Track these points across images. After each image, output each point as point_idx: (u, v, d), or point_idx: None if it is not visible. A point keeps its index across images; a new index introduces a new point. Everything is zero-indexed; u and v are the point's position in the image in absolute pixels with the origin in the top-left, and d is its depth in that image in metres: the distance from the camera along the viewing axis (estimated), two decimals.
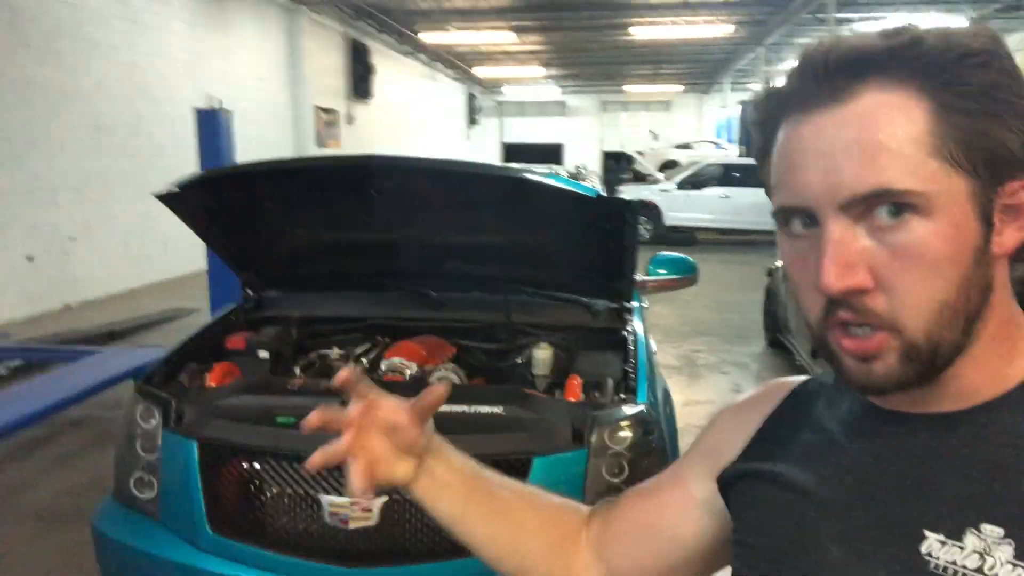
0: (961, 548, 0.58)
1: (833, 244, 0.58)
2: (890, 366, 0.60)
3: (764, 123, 0.66)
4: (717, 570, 0.83)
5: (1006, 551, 0.56)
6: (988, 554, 0.57)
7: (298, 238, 2.88)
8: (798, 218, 0.62)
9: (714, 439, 0.84)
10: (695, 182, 14.03)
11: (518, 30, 16.33)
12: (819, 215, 0.59)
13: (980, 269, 0.59)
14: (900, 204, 0.57)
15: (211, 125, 5.78)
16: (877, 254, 0.58)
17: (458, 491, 0.89)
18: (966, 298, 0.59)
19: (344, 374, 0.84)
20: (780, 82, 0.64)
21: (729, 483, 0.79)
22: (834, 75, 0.58)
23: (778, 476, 0.73)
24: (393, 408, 0.85)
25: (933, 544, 0.59)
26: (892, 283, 0.58)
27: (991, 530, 0.57)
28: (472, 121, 27.76)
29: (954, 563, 0.58)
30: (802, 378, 0.82)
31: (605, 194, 2.56)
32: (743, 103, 19.17)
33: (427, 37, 16.27)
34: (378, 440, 0.84)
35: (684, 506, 0.82)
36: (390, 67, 18.24)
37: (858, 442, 0.68)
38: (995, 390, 0.62)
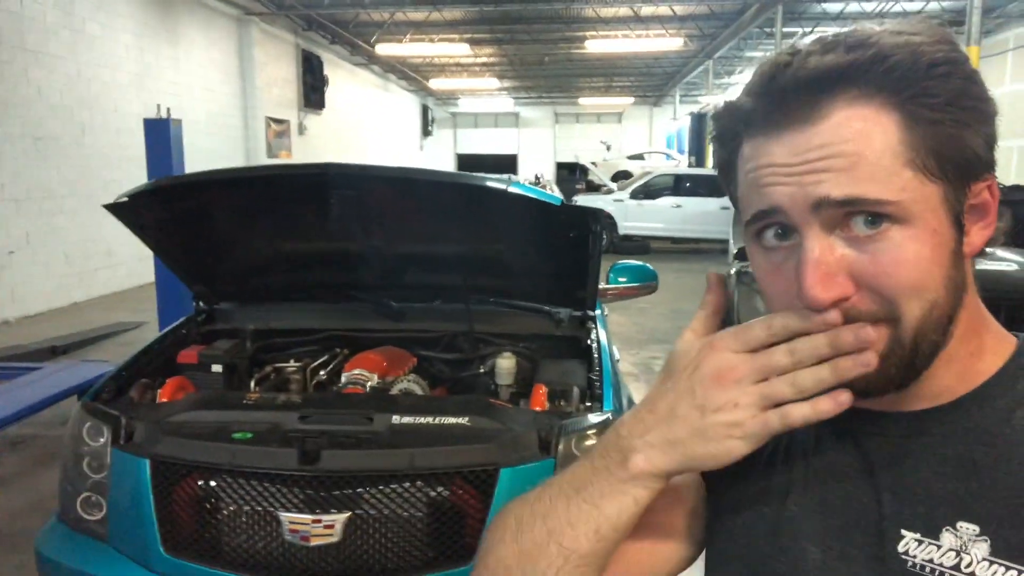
0: (938, 546, 0.59)
1: (813, 254, 0.57)
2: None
3: (726, 138, 0.65)
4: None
5: (982, 548, 0.57)
6: (965, 552, 0.58)
7: (253, 249, 2.81)
8: (771, 230, 0.61)
9: None
10: (647, 192, 14.21)
11: (472, 42, 16.37)
12: (795, 224, 0.59)
13: (957, 271, 0.60)
14: (876, 214, 0.56)
15: (159, 135, 5.63)
16: (857, 260, 0.57)
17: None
18: (950, 299, 0.59)
19: None
20: (738, 96, 0.63)
21: (709, 481, 0.77)
22: (801, 94, 0.58)
23: (750, 479, 0.72)
24: None
25: (910, 543, 0.60)
26: (879, 286, 0.57)
27: (967, 528, 0.58)
28: (426, 132, 27.71)
29: (931, 561, 0.59)
30: None
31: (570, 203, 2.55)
32: (692, 115, 19.50)
33: (381, 49, 16.17)
34: None
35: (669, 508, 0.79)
36: (343, 78, 18.10)
37: (832, 442, 0.68)
38: (965, 386, 0.63)
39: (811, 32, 14.80)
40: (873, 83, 0.57)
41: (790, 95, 0.58)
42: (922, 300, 0.57)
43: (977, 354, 0.63)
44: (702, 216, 13.46)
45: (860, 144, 0.56)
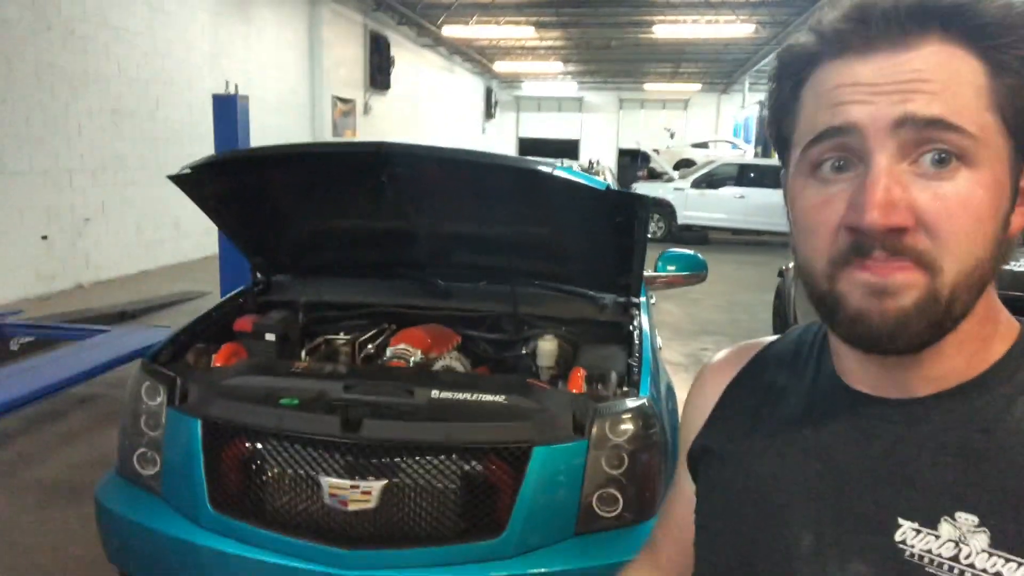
0: (936, 536, 0.58)
1: (883, 175, 0.56)
2: (905, 307, 0.57)
3: (796, 68, 0.63)
4: None
5: (981, 539, 0.56)
6: (963, 543, 0.56)
7: (308, 224, 2.90)
8: (831, 159, 0.59)
9: (685, 422, 0.82)
10: (710, 181, 13.95)
11: (538, 25, 16.30)
12: (867, 139, 0.57)
13: (1003, 236, 0.59)
14: (948, 151, 0.56)
15: (227, 111, 5.80)
16: (922, 197, 0.56)
17: None
18: (992, 262, 0.58)
19: None
20: (828, 23, 0.61)
21: (695, 461, 0.78)
22: (898, 21, 0.58)
23: (740, 458, 0.71)
24: None
25: (908, 532, 0.59)
26: (936, 226, 0.56)
27: (966, 518, 0.57)
28: (489, 114, 27.74)
29: (929, 551, 0.57)
30: (767, 340, 0.79)
31: (616, 187, 2.55)
32: (761, 103, 19.05)
33: (447, 31, 16.25)
34: None
35: (688, 507, 0.79)
36: (409, 59, 18.24)
37: (826, 423, 0.66)
38: (971, 371, 0.61)
39: None
40: (968, 27, 0.57)
41: (887, 20, 0.58)
42: (970, 255, 0.56)
43: (985, 339, 0.62)
44: (766, 208, 13.16)
45: (950, 75, 0.56)
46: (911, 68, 0.57)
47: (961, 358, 0.61)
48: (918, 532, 0.58)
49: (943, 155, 0.56)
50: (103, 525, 2.19)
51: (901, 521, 0.59)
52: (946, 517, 0.58)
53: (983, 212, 0.56)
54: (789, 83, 0.64)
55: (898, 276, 0.57)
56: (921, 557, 0.58)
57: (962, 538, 0.57)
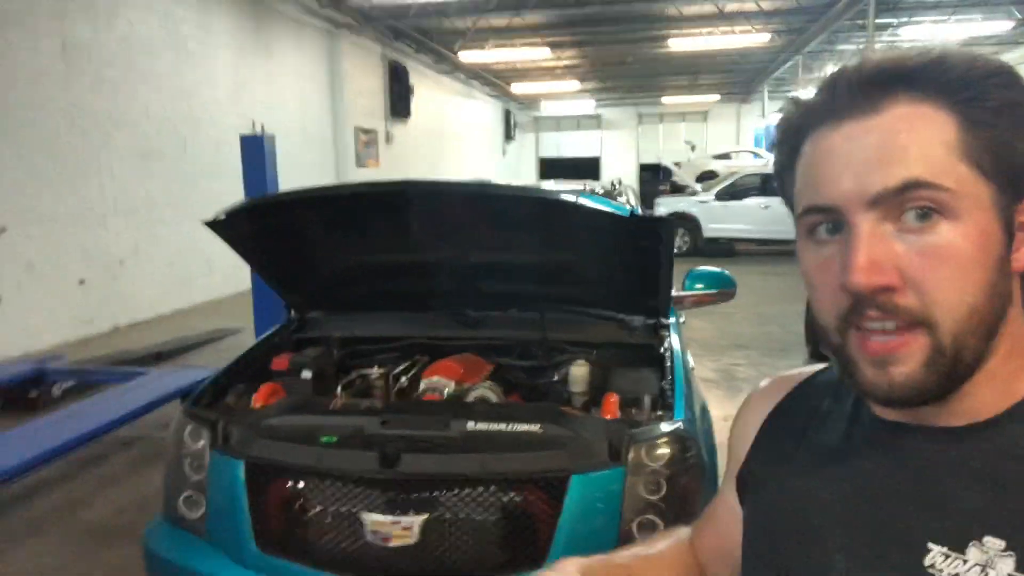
0: (964, 561, 0.59)
1: (863, 240, 0.59)
2: (911, 371, 0.59)
3: (791, 136, 0.67)
4: None
5: (1008, 564, 0.57)
6: (990, 567, 0.57)
7: (340, 261, 2.95)
8: (824, 224, 0.63)
9: (733, 441, 0.85)
10: (733, 192, 13.86)
11: (554, 46, 16.40)
12: (847, 215, 0.60)
13: (1003, 279, 0.60)
14: (929, 206, 0.58)
15: (255, 150, 5.92)
16: (905, 255, 0.58)
17: None
18: (992, 305, 0.60)
19: None
20: (808, 96, 0.66)
21: (743, 485, 0.80)
22: (865, 88, 0.61)
23: (782, 481, 0.73)
24: None
25: (937, 556, 0.60)
26: (922, 281, 0.58)
27: (993, 543, 0.58)
28: (509, 137, 27.90)
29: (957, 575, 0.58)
30: (812, 369, 0.82)
31: (640, 211, 2.57)
32: (781, 111, 18.95)
33: (464, 56, 16.43)
34: None
35: (732, 521, 0.82)
36: (428, 86, 18.46)
37: (863, 450, 0.68)
38: (1001, 406, 0.62)
39: (906, 23, 14.19)
40: (933, 84, 0.59)
41: (854, 88, 0.61)
42: (961, 303, 0.58)
43: (1017, 375, 0.63)
44: (791, 217, 13.05)
45: (918, 135, 0.58)
46: (878, 132, 0.59)
47: (991, 394, 0.63)
48: (947, 556, 0.59)
49: (924, 210, 0.58)
50: (151, 570, 2.23)
51: (931, 545, 0.61)
52: (974, 541, 0.59)
53: (967, 261, 0.58)
54: (786, 149, 0.68)
55: (898, 343, 0.60)
56: None
57: (989, 562, 0.58)
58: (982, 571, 0.58)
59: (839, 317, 0.62)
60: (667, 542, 0.94)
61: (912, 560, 0.61)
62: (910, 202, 0.58)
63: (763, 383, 0.85)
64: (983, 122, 0.59)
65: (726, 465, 0.87)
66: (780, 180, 0.70)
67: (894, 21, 14.26)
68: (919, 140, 0.58)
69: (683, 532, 0.96)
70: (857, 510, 0.66)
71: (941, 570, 0.59)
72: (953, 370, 0.60)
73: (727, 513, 0.84)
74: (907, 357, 0.59)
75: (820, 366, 0.81)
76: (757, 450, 0.79)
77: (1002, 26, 14.43)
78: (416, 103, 17.24)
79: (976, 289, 0.59)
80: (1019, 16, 13.35)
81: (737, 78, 23.06)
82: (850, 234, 0.60)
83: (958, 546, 0.59)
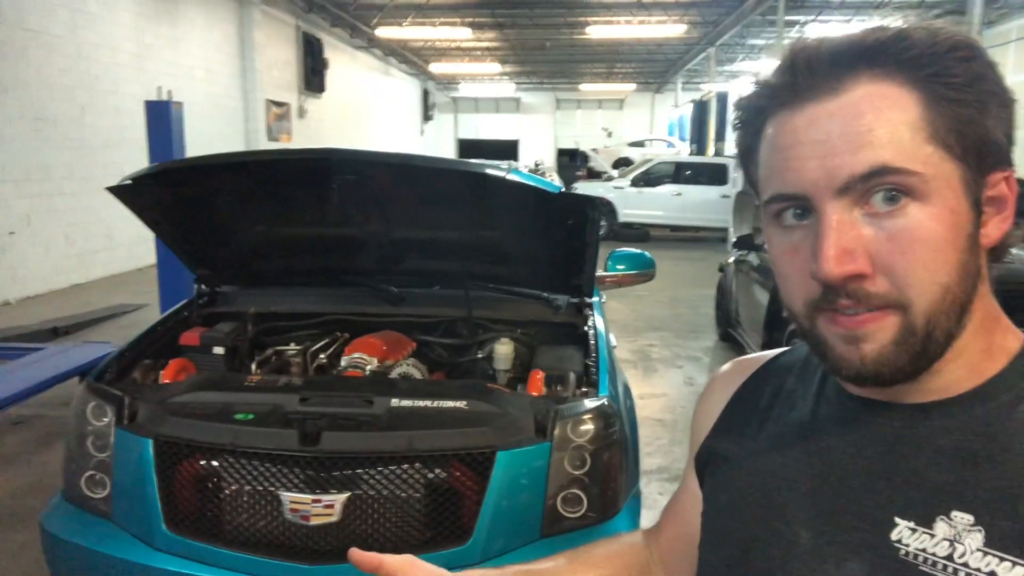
0: (931, 535, 0.58)
1: (832, 229, 0.58)
2: (883, 347, 0.59)
3: (751, 119, 0.65)
4: None
5: (976, 539, 0.57)
6: (958, 542, 0.57)
7: (254, 233, 2.83)
8: (791, 209, 0.62)
9: (694, 428, 0.84)
10: (648, 179, 14.20)
11: (474, 26, 16.30)
12: (816, 202, 0.59)
13: (972, 257, 0.60)
14: (896, 188, 0.57)
15: (161, 117, 5.63)
16: (875, 239, 0.58)
17: None
18: (964, 284, 0.59)
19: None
20: (764, 79, 0.64)
21: (702, 466, 0.79)
22: (826, 68, 0.59)
23: (746, 459, 0.72)
24: None
25: (903, 531, 0.59)
26: (892, 265, 0.58)
27: (961, 517, 0.58)
28: (427, 116, 27.62)
29: (924, 550, 0.58)
30: (774, 352, 0.81)
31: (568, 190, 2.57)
32: (694, 102, 19.44)
33: (382, 32, 16.11)
34: None
35: (695, 508, 0.81)
36: (344, 61, 18.03)
37: (829, 426, 0.68)
38: (972, 382, 0.62)
39: (813, 20, 14.74)
40: (894, 61, 0.58)
41: (814, 68, 0.59)
42: (934, 284, 0.58)
43: (987, 350, 0.63)
44: (702, 204, 13.47)
45: (882, 117, 0.57)
46: (841, 116, 0.58)
47: (961, 371, 0.62)
48: (913, 531, 0.59)
49: (892, 193, 0.57)
50: (50, 552, 2.10)
51: (897, 520, 0.60)
52: (942, 516, 0.58)
53: (938, 242, 0.57)
54: (748, 131, 0.66)
55: (868, 319, 0.59)
56: (916, 556, 0.58)
57: (957, 537, 0.57)
58: (950, 545, 0.57)
59: (808, 304, 0.61)
60: (602, 547, 0.91)
61: (878, 534, 0.60)
62: (878, 187, 0.57)
63: (724, 367, 0.85)
64: (947, 98, 0.58)
65: (688, 453, 0.85)
66: (743, 161, 0.69)
67: (802, 18, 14.79)
68: (884, 122, 0.57)
69: (629, 536, 0.94)
70: (823, 485, 0.65)
71: (908, 544, 0.59)
72: (924, 349, 0.59)
73: (691, 502, 0.82)
74: (877, 333, 0.59)
75: (782, 349, 0.81)
76: (719, 430, 0.78)
77: (904, 23, 15.15)
78: (331, 78, 16.84)
79: (949, 269, 0.58)
80: (915, 20, 14.04)
81: (652, 68, 23.51)
82: (819, 222, 0.59)
83: (925, 521, 0.59)
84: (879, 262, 0.58)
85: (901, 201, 0.57)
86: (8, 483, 3.64)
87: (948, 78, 0.58)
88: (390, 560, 0.75)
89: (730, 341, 6.27)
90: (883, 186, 0.57)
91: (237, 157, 2.55)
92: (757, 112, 0.64)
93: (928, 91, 0.58)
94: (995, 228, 0.62)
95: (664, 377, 5.68)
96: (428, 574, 0.76)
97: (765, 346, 4.43)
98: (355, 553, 0.75)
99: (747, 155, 0.67)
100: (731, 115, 0.70)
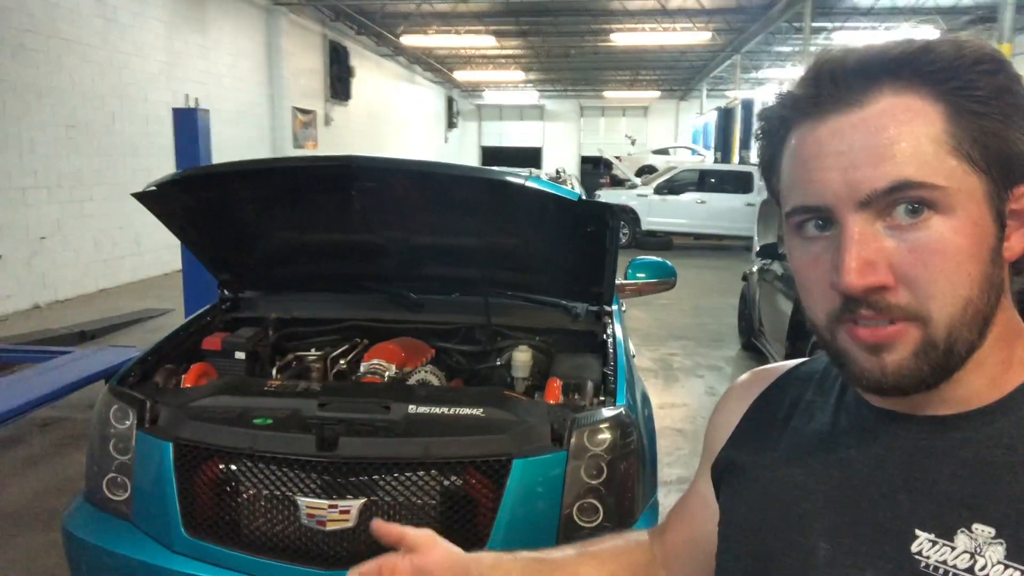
0: (952, 548, 0.58)
1: (854, 242, 0.58)
2: (903, 359, 0.59)
3: (774, 129, 0.65)
4: None
5: (997, 551, 0.56)
6: (979, 554, 0.56)
7: (277, 239, 2.86)
8: (812, 221, 0.62)
9: (710, 434, 0.84)
10: (672, 187, 14.13)
11: (498, 34, 16.35)
12: (838, 214, 0.59)
13: (995, 269, 0.59)
14: (919, 202, 0.57)
15: (188, 124, 5.71)
16: (897, 251, 0.58)
17: None
18: (986, 297, 0.59)
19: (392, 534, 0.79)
20: (789, 89, 0.64)
21: (719, 474, 0.79)
22: (850, 80, 0.59)
23: (765, 469, 0.72)
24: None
25: (924, 543, 0.59)
26: (914, 278, 0.57)
27: (982, 530, 0.57)
28: (451, 124, 27.74)
29: (944, 563, 0.57)
30: (793, 363, 0.81)
31: (587, 198, 2.56)
32: (719, 109, 19.34)
33: (407, 40, 16.22)
34: None
35: (705, 513, 0.81)
36: (369, 69, 18.17)
37: (849, 438, 0.67)
38: (993, 395, 0.62)
39: (840, 28, 14.61)
40: (919, 74, 0.58)
41: (839, 80, 0.59)
42: (955, 297, 0.57)
43: (1008, 362, 0.62)
44: (727, 212, 13.37)
45: (905, 131, 0.57)
46: (865, 129, 0.58)
47: (982, 383, 0.62)
48: (934, 543, 0.58)
49: (915, 205, 0.57)
50: (72, 554, 2.12)
51: (918, 532, 0.60)
52: (963, 529, 0.58)
53: (960, 255, 0.57)
54: (771, 142, 0.66)
55: (890, 331, 0.59)
56: (936, 568, 0.58)
57: (978, 549, 0.57)
58: (971, 558, 0.57)
59: (829, 315, 0.61)
60: (610, 542, 0.92)
61: (899, 547, 0.60)
62: (900, 200, 0.57)
63: (742, 377, 0.84)
64: (971, 111, 0.57)
65: (701, 459, 0.85)
66: (765, 172, 0.69)
67: (828, 25, 14.67)
68: (907, 136, 0.57)
69: (636, 534, 0.94)
70: (843, 497, 0.65)
71: (928, 557, 0.58)
72: (946, 361, 0.59)
73: (701, 507, 0.83)
74: (898, 344, 0.59)
75: (800, 360, 0.81)
76: (738, 440, 0.78)
77: (929, 35, 14.98)
78: (357, 86, 16.97)
79: (970, 282, 0.58)
80: (944, 27, 13.88)
81: (677, 75, 23.42)
82: (841, 234, 0.59)
83: (946, 533, 0.58)
84: (900, 274, 0.58)
85: (924, 214, 0.57)
86: (34, 484, 3.70)
87: (972, 91, 0.58)
88: (411, 533, 0.79)
89: (753, 351, 6.21)
90: (905, 200, 0.57)
91: (259, 164, 2.57)
92: (780, 123, 0.64)
93: (952, 104, 0.58)
94: (1019, 241, 0.61)
95: (685, 387, 5.64)
96: (446, 551, 0.79)
97: (788, 356, 4.36)
98: (378, 524, 0.80)
99: (769, 166, 0.67)
100: (756, 123, 0.70)
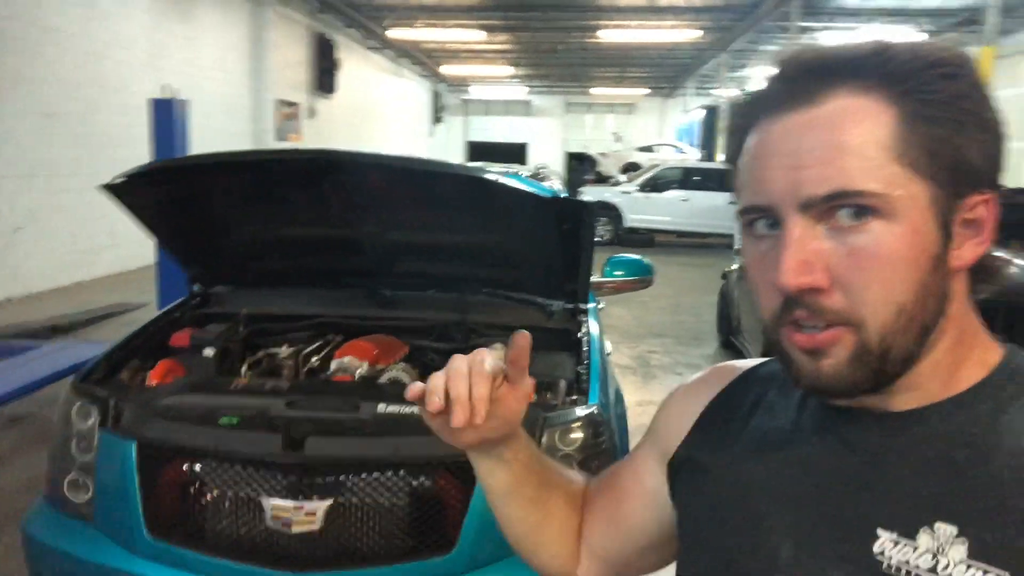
0: (914, 548, 0.57)
1: (793, 241, 0.58)
2: (839, 363, 0.59)
3: (737, 127, 0.66)
4: None
5: (959, 550, 0.56)
6: (941, 554, 0.56)
7: (249, 233, 2.81)
8: (762, 220, 0.62)
9: (662, 424, 0.83)
10: (655, 185, 14.16)
11: (486, 28, 16.28)
12: (781, 214, 0.59)
13: (937, 278, 0.59)
14: (861, 206, 0.57)
15: (166, 115, 5.63)
16: (835, 254, 0.58)
17: (515, 473, 0.84)
18: (923, 305, 0.59)
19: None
20: (756, 88, 0.65)
21: (675, 471, 0.78)
22: (804, 78, 0.59)
23: (725, 468, 0.72)
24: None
25: (886, 543, 0.59)
26: (849, 282, 0.58)
27: (945, 529, 0.57)
28: (437, 119, 27.64)
29: (907, 563, 0.57)
30: (755, 362, 0.80)
31: (563, 195, 2.54)
32: (705, 108, 19.39)
33: (394, 33, 16.12)
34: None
35: (641, 498, 0.82)
36: (355, 61, 18.06)
37: (810, 435, 0.67)
38: (947, 392, 0.62)
39: (827, 27, 14.66)
40: (873, 75, 0.58)
41: (793, 79, 0.60)
42: (888, 303, 0.57)
43: (962, 363, 0.62)
44: (710, 211, 13.40)
45: (854, 133, 0.57)
46: (812, 132, 0.58)
47: (935, 382, 0.62)
48: (896, 543, 0.58)
49: (857, 209, 0.57)
50: (31, 557, 2.08)
51: (880, 532, 0.59)
52: (925, 528, 0.57)
53: (896, 261, 0.57)
54: (734, 139, 0.67)
55: (824, 336, 0.59)
56: (898, 569, 0.57)
57: (940, 548, 0.56)
58: (933, 558, 0.56)
59: (773, 315, 0.62)
60: (576, 477, 0.92)
61: (860, 546, 0.59)
62: (840, 206, 0.57)
63: (701, 372, 0.84)
64: (923, 116, 0.57)
65: (645, 439, 0.85)
66: (730, 168, 0.69)
67: (817, 25, 14.70)
68: (855, 138, 0.57)
69: (579, 476, 0.93)
70: (804, 496, 0.65)
71: (891, 556, 0.58)
72: (881, 367, 0.59)
73: (632, 482, 0.83)
74: (834, 350, 0.59)
75: (763, 359, 0.80)
76: (696, 437, 0.77)
77: (905, 37, 15.08)
78: (342, 78, 16.85)
79: (905, 288, 0.58)
80: (931, 29, 13.96)
81: (664, 73, 23.42)
82: (783, 234, 0.59)
83: (908, 532, 0.58)
84: (836, 276, 0.58)
85: (866, 218, 0.57)
86: (1, 483, 3.63)
87: (926, 95, 0.57)
88: (525, 379, 0.80)
89: (731, 349, 6.22)
90: (844, 206, 0.57)
91: (231, 157, 2.52)
92: (743, 119, 0.65)
93: (904, 108, 0.57)
94: (970, 251, 0.61)
95: (663, 384, 5.63)
96: (521, 407, 0.81)
97: (765, 354, 4.34)
98: (520, 336, 0.77)
99: (733, 160, 0.67)
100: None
